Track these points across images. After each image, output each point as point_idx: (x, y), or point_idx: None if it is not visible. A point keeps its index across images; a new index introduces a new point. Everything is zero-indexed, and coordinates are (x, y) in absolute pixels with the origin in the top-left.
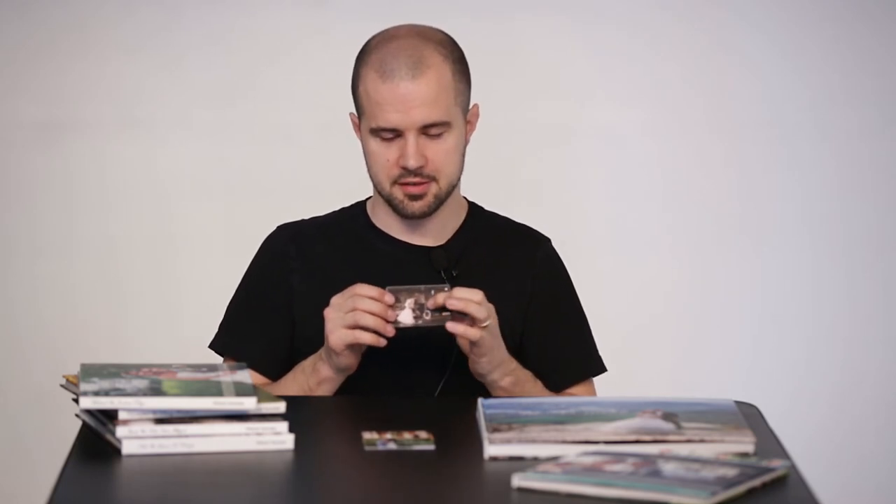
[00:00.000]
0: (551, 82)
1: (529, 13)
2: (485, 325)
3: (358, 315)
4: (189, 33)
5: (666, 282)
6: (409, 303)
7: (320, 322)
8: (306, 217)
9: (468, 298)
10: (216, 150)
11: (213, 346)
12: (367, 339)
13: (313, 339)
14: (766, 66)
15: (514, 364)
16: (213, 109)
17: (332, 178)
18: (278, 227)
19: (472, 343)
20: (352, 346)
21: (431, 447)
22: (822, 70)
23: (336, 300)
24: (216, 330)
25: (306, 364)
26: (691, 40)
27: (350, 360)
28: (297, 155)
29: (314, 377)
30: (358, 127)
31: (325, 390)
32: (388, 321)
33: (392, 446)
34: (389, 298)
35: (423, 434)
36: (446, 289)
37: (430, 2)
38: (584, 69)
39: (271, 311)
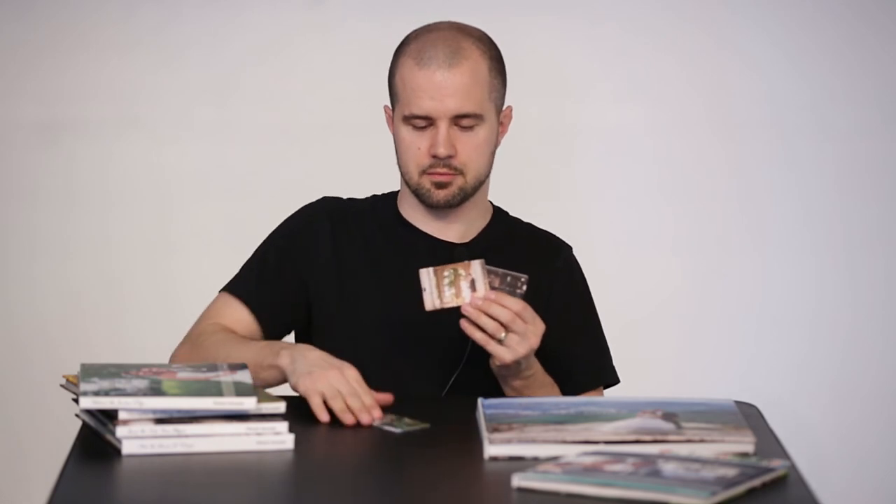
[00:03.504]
0: (551, 81)
1: (529, 13)
2: (500, 337)
3: (342, 406)
4: (189, 32)
5: (666, 281)
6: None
7: (335, 299)
8: (345, 197)
9: (488, 311)
10: (216, 150)
11: (227, 288)
12: (326, 416)
13: (326, 311)
14: (767, 66)
15: (532, 370)
16: (213, 108)
17: (333, 178)
18: (322, 198)
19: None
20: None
21: (426, 425)
22: (822, 70)
23: (335, 375)
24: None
25: (276, 344)
26: (692, 40)
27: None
28: (297, 154)
29: (271, 358)
30: (391, 119)
31: (269, 376)
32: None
33: (390, 428)
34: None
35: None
36: (523, 279)
37: (430, 2)
38: (584, 68)
39: (287, 271)
